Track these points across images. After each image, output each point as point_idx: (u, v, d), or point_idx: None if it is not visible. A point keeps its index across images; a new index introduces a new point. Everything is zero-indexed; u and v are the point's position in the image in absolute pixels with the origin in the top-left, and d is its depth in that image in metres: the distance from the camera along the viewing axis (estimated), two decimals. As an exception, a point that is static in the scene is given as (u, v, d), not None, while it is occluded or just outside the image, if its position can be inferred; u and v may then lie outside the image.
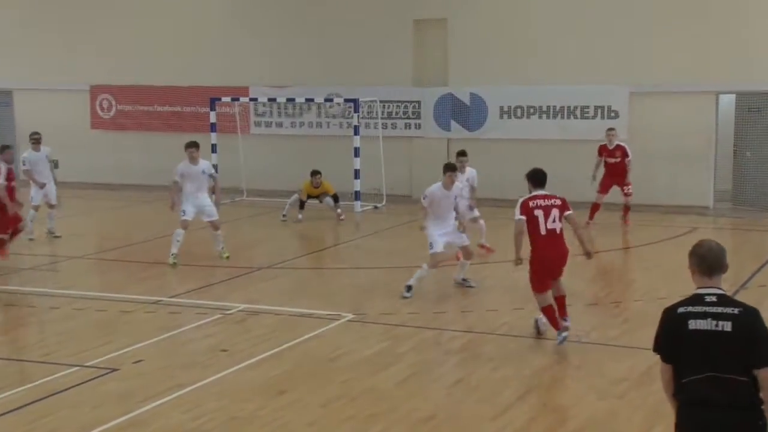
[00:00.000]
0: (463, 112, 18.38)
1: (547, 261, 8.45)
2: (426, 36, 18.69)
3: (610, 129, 15.35)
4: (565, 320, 8.54)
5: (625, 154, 15.01)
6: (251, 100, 19.06)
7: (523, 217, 8.40)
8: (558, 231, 8.43)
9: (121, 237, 14.63)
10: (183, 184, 12.37)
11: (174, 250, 12.26)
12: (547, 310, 8.47)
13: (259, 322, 9.36)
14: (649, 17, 16.89)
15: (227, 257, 12.62)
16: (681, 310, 4.20)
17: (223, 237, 12.69)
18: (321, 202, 16.11)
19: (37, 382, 7.49)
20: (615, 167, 15.03)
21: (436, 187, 10.46)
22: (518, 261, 8.54)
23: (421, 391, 7.36)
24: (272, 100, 18.84)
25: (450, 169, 10.53)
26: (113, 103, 21.16)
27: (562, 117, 17.73)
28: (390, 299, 10.28)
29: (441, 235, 10.38)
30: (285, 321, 9.41)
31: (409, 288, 10.32)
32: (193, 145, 12.43)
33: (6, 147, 12.86)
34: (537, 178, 8.60)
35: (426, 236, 10.52)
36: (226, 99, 18.63)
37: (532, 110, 17.93)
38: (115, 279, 11.73)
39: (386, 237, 14.95)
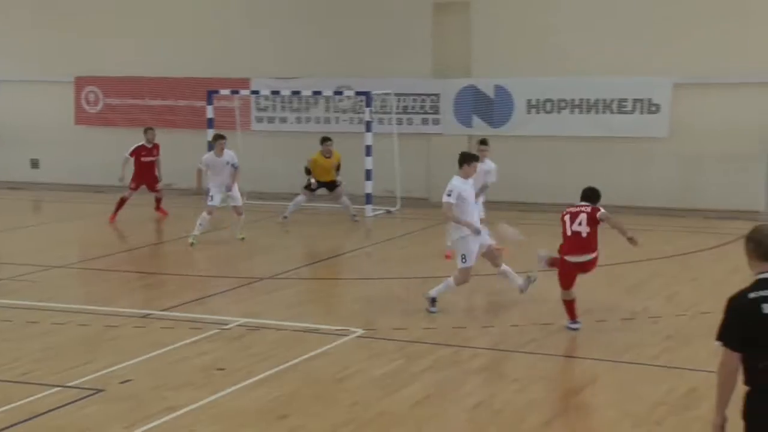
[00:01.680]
0: (487, 107, 18.38)
1: (570, 264, 9.51)
2: (447, 21, 18.70)
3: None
4: (578, 324, 9.66)
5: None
6: (252, 92, 19.15)
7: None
8: (584, 235, 9.41)
9: (107, 244, 14.73)
10: (209, 172, 14.50)
11: (196, 232, 14.18)
12: (566, 303, 9.62)
13: (259, 339, 9.39)
14: (693, 2, 16.83)
15: (242, 238, 14.48)
16: (752, 295, 4.55)
17: (244, 222, 14.67)
18: (332, 192, 16.11)
19: (14, 404, 7.55)
20: None
21: (458, 181, 10.26)
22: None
23: (438, 415, 7.37)
24: (276, 93, 18.92)
25: (473, 159, 10.49)
26: (100, 96, 21.32)
27: (597, 112, 17.70)
28: (404, 313, 10.30)
29: (475, 242, 10.20)
30: (288, 337, 9.45)
31: (433, 301, 10.27)
32: (222, 138, 14.75)
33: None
34: (590, 195, 9.73)
35: (456, 241, 10.19)
36: (225, 92, 18.73)
37: (563, 104, 17.92)
38: (101, 290, 11.81)
39: (400, 244, 14.97)
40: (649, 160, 17.32)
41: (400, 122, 18.61)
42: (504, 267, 10.57)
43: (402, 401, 7.61)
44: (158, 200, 17.31)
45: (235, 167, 14.61)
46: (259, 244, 14.66)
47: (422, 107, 18.92)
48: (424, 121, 18.94)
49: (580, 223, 9.37)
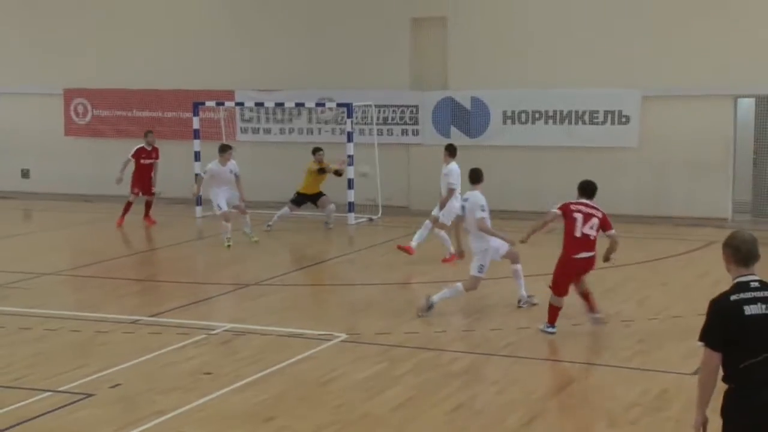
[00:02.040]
0: (464, 118, 18.43)
1: (574, 262, 9.30)
2: (424, 36, 18.76)
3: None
4: (598, 313, 9.63)
5: None
6: (237, 104, 19.10)
7: (559, 212, 9.36)
8: (592, 238, 9.32)
9: (97, 252, 14.62)
10: (211, 182, 14.75)
11: (228, 234, 14.57)
12: (553, 309, 9.48)
13: (245, 343, 9.35)
14: (662, 16, 16.97)
15: (256, 241, 14.76)
16: (734, 297, 4.64)
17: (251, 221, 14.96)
18: (318, 206, 16.16)
19: (6, 409, 7.46)
20: None
21: (481, 194, 10.35)
22: (525, 240, 9.60)
23: (419, 417, 7.35)
24: (260, 104, 18.88)
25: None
26: (89, 107, 21.18)
27: (570, 122, 17.79)
28: (386, 318, 10.28)
29: (493, 256, 10.38)
30: (273, 342, 9.41)
31: (431, 306, 10.20)
32: (229, 148, 15.11)
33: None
34: (586, 188, 9.56)
35: (478, 252, 10.16)
36: (210, 103, 18.67)
37: (537, 115, 18.00)
38: (91, 297, 11.71)
39: (382, 251, 14.95)
40: (619, 169, 17.42)
41: (380, 133, 18.62)
42: (518, 267, 10.66)
43: (385, 403, 7.58)
44: (148, 207, 17.23)
45: (237, 176, 14.83)
46: (245, 252, 14.59)
47: (402, 118, 18.94)
48: (404, 132, 18.96)
49: (591, 227, 9.28)
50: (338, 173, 16.42)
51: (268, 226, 16.01)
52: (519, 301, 10.71)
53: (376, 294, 11.69)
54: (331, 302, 11.30)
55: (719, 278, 12.36)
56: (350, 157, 16.81)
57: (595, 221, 9.29)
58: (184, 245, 15.72)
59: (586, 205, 9.41)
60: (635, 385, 8.01)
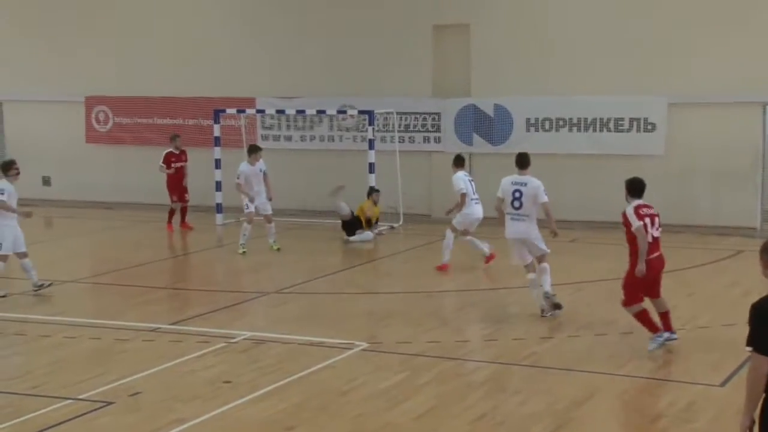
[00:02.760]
0: (487, 125, 18.39)
1: (652, 268, 9.06)
2: (447, 42, 18.75)
3: None
4: (673, 334, 9.19)
5: None
6: (258, 111, 19.17)
7: (641, 223, 9.04)
8: (659, 238, 9.17)
9: (117, 259, 14.71)
10: (245, 184, 14.85)
11: (242, 241, 14.78)
12: (640, 315, 9.14)
13: (265, 352, 9.36)
14: (689, 21, 16.86)
15: (278, 249, 14.96)
16: None
17: (276, 230, 15.23)
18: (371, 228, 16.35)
19: (25, 417, 7.51)
20: None
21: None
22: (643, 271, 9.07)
23: (441, 427, 7.32)
24: (281, 111, 18.93)
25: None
26: (110, 115, 21.35)
27: (594, 130, 17.69)
28: (407, 327, 10.26)
29: None
30: (294, 350, 9.41)
31: (556, 304, 10.52)
32: (258, 149, 15.32)
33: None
34: (638, 187, 9.34)
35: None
36: (231, 111, 18.74)
37: (561, 122, 17.93)
38: (111, 304, 11.77)
39: (403, 259, 14.94)
40: (645, 178, 17.03)
41: (402, 140, 18.61)
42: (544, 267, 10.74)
43: (406, 413, 7.56)
44: (183, 213, 17.38)
45: (265, 174, 15.05)
46: (265, 259, 14.64)
47: (423, 126, 18.93)
48: (426, 139, 18.95)
49: (657, 228, 9.13)
50: (368, 222, 16.39)
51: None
52: (542, 310, 10.70)
53: (398, 302, 11.67)
54: (351, 311, 11.29)
55: (749, 288, 12.25)
56: (375, 191, 16.67)
57: (657, 221, 9.14)
58: (204, 253, 15.79)
59: (647, 206, 9.21)
60: (661, 397, 7.93)
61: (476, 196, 13.37)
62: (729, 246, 15.20)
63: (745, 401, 4.80)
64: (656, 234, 9.08)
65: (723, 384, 8.17)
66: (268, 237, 15.07)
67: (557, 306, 10.54)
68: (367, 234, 16.25)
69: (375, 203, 16.53)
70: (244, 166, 14.95)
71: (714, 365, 8.65)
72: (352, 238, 16.10)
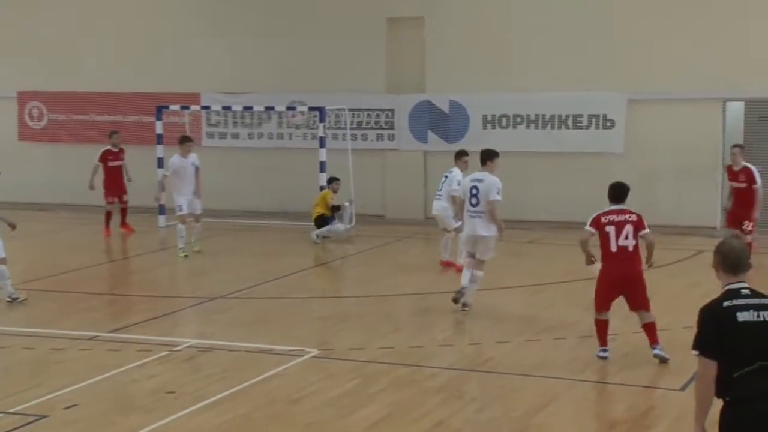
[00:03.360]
0: (442, 122, 18.48)
1: (614, 279, 8.99)
2: (401, 36, 18.80)
3: (734, 146, 14.37)
4: (654, 348, 9.02)
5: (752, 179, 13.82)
6: (203, 108, 19.03)
7: (592, 229, 9.09)
8: (630, 248, 8.96)
9: (52, 264, 14.49)
10: (174, 179, 14.82)
11: (181, 245, 14.67)
12: (596, 322, 9.19)
13: (211, 360, 9.29)
14: (649, 17, 17.12)
15: (198, 250, 14.80)
16: (726, 304, 4.74)
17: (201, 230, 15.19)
18: (335, 219, 16.27)
19: (-47, 431, 7.36)
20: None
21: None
22: (590, 260, 9.23)
23: (395, 437, 7.34)
24: (227, 108, 18.81)
25: (496, 155, 11.24)
26: (44, 111, 21.02)
27: (553, 127, 17.90)
28: (360, 332, 10.26)
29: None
30: (241, 358, 9.35)
31: (464, 305, 10.86)
32: (189, 140, 15.28)
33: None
34: (614, 191, 9.32)
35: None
36: (175, 107, 18.58)
37: (519, 119, 18.09)
38: (45, 312, 11.58)
39: (356, 262, 14.94)
40: (604, 176, 17.35)
41: (354, 138, 18.60)
42: (477, 274, 10.89)
43: (359, 422, 7.56)
44: (124, 214, 17.11)
45: (198, 169, 14.93)
46: (210, 263, 14.53)
47: (377, 123, 18.96)
48: (379, 137, 18.98)
49: (626, 237, 8.93)
50: (335, 208, 16.39)
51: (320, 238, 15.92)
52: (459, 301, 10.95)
53: (350, 307, 11.68)
54: (301, 316, 11.27)
55: (709, 290, 12.44)
56: (335, 179, 16.66)
57: (628, 228, 8.94)
58: (146, 256, 15.62)
59: (618, 212, 9.09)
60: (621, 402, 8.04)
61: (439, 192, 13.59)
62: (690, 246, 15.47)
63: (695, 411, 4.80)
64: (622, 243, 8.92)
65: (683, 388, 8.31)
66: (191, 236, 14.96)
67: (457, 301, 10.93)
68: (338, 227, 16.14)
69: (335, 192, 16.44)
70: (175, 158, 14.93)
71: (674, 369, 8.79)
72: (320, 232, 15.94)
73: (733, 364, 4.66)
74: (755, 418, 4.64)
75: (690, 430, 4.85)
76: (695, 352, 4.78)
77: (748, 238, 13.34)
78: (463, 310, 10.98)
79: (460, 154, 13.58)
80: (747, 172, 13.86)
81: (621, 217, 9.05)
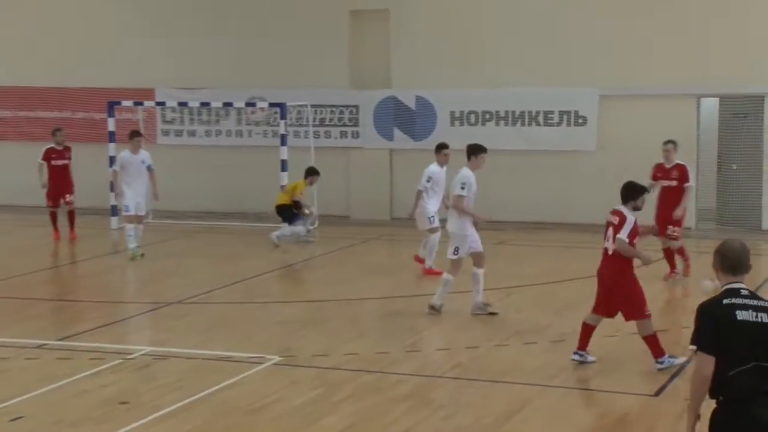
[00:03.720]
0: (409, 119, 18.53)
1: (598, 278, 9.17)
2: (365, 29, 18.82)
3: (668, 141, 13.52)
4: (658, 362, 8.93)
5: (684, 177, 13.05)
6: (158, 104, 18.92)
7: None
8: (609, 251, 9.05)
9: (-3, 268, 14.31)
10: (123, 175, 14.64)
11: (131, 245, 14.54)
12: (583, 327, 9.18)
13: (166, 369, 9.24)
14: (621, 11, 17.31)
15: (142, 255, 14.53)
16: (726, 301, 4.91)
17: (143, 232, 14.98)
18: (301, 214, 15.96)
19: None
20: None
21: (470, 172, 11.01)
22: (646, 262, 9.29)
23: (360, 447, 7.34)
24: (183, 104, 18.72)
25: (482, 150, 11.27)
26: (-13, 107, 20.76)
27: (523, 124, 18.02)
28: (324, 338, 10.26)
29: (469, 241, 10.91)
30: (198, 366, 9.31)
31: (433, 308, 10.91)
32: (138, 134, 15.07)
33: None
34: (621, 191, 9.29)
35: (460, 237, 10.81)
36: (128, 103, 18.45)
37: (487, 116, 18.19)
38: (-10, 319, 11.43)
39: (320, 264, 14.92)
40: (576, 174, 17.69)
41: (317, 135, 18.60)
42: (480, 272, 10.96)
43: (322, 432, 7.56)
44: (72, 220, 16.75)
45: (151, 169, 14.78)
46: (165, 267, 14.43)
47: (341, 119, 18.97)
48: (343, 134, 18.98)
49: (607, 239, 9.06)
50: (298, 206, 16.01)
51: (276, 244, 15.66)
52: (474, 309, 10.94)
53: (313, 312, 11.67)
54: (262, 322, 11.24)
55: (683, 292, 12.66)
56: (315, 173, 16.38)
57: (610, 231, 9.03)
58: (97, 260, 15.46)
59: (614, 213, 9.16)
60: (594, 408, 8.12)
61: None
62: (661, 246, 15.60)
63: (689, 404, 4.96)
64: (606, 244, 9.06)
65: (657, 393, 8.41)
66: (135, 240, 14.73)
67: (433, 309, 11.03)
68: (298, 229, 15.94)
69: (310, 185, 16.18)
70: (125, 153, 14.83)
71: (648, 374, 8.89)
72: (280, 234, 15.70)
73: (728, 362, 4.81)
74: (749, 420, 4.79)
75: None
76: (693, 348, 4.93)
77: (675, 244, 12.85)
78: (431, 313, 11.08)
79: (440, 148, 13.60)
80: (680, 169, 13.09)
81: (612, 218, 9.15)
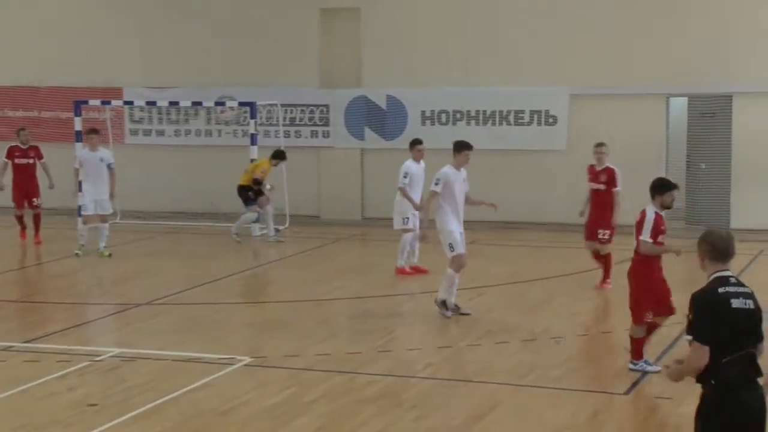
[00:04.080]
0: (379, 118, 18.55)
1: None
2: (335, 28, 18.81)
3: (600, 144, 13.27)
4: (632, 363, 8.88)
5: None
6: (125, 103, 18.78)
7: None
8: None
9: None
10: (81, 173, 14.68)
11: (81, 242, 14.78)
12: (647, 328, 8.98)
13: (135, 370, 9.19)
14: (591, 10, 17.41)
15: (109, 255, 14.50)
16: (721, 290, 5.07)
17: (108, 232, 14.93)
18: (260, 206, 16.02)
19: None
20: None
21: (449, 169, 10.99)
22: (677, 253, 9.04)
23: (331, 448, 7.35)
24: (151, 103, 18.60)
25: (466, 147, 11.17)
26: (-47, 106, 20.51)
27: (494, 123, 18.10)
28: (294, 338, 10.25)
29: (461, 234, 10.90)
30: (168, 367, 9.27)
31: (444, 303, 10.81)
32: (93, 132, 14.99)
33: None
34: (649, 187, 9.27)
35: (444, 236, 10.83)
36: (95, 102, 18.29)
37: (458, 115, 18.25)
38: (-44, 321, 11.32)
39: (290, 265, 14.89)
40: (547, 174, 17.78)
41: (287, 135, 18.57)
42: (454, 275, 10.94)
43: (293, 434, 7.56)
44: (37, 223, 16.52)
45: (111, 168, 14.69)
46: (134, 268, 14.35)
47: (311, 119, 18.95)
48: (314, 134, 18.96)
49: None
50: (257, 182, 16.00)
51: (236, 235, 15.80)
52: (444, 305, 10.94)
53: (284, 312, 11.65)
54: (232, 322, 11.20)
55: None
56: (282, 157, 16.38)
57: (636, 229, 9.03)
58: (64, 261, 15.33)
59: (641, 213, 9.13)
60: (565, 407, 8.16)
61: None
62: (631, 246, 15.70)
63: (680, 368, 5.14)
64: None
65: (627, 392, 8.48)
66: (100, 240, 14.77)
67: (445, 307, 10.97)
68: (249, 216, 16.00)
69: (274, 166, 16.19)
70: (84, 151, 14.90)
71: (618, 372, 8.96)
72: (234, 228, 15.85)
73: (723, 349, 4.96)
74: (739, 405, 4.94)
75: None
76: (689, 338, 5.05)
77: (606, 248, 12.64)
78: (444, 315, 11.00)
79: (414, 143, 13.66)
80: (609, 172, 12.80)
81: (638, 218, 9.15)
